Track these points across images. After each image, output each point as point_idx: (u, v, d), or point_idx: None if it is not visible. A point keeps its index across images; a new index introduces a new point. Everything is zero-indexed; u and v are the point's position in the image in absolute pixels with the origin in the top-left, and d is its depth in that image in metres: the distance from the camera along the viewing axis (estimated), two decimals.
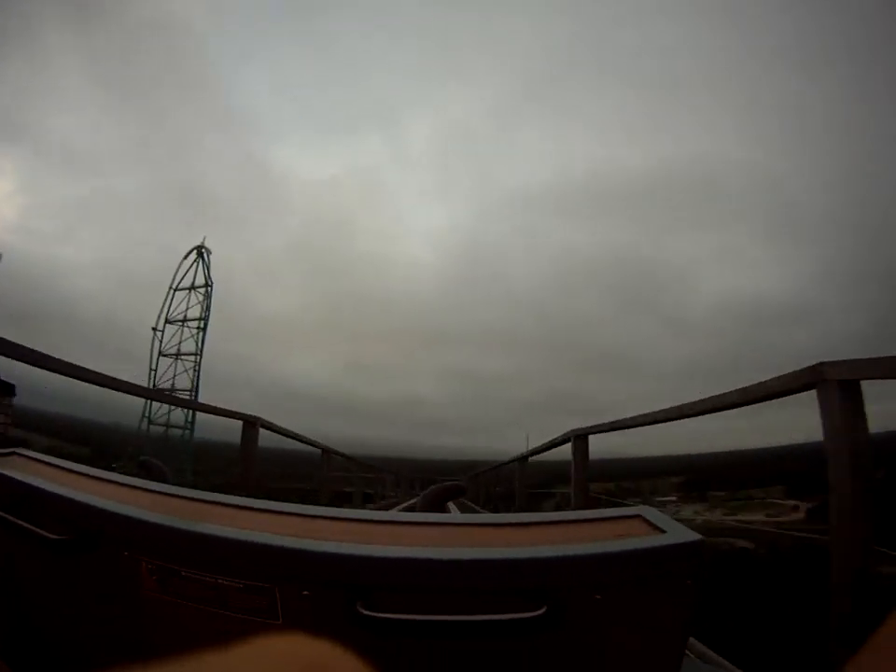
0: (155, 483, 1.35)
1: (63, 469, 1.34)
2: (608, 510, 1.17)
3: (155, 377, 30.10)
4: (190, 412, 29.46)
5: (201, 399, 30.25)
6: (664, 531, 0.97)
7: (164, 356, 30.41)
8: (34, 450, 1.52)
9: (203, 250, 32.17)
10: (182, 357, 30.28)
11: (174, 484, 1.47)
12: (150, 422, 29.53)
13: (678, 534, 0.96)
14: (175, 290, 31.41)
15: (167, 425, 29.48)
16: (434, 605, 0.88)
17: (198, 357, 30.42)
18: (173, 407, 29.56)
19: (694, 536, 0.95)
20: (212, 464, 26.02)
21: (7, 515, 1.11)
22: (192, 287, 31.29)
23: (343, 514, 1.14)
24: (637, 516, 1.06)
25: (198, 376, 30.35)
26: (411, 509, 12.91)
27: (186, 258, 32.22)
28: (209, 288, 31.35)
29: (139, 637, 1.03)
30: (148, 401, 29.68)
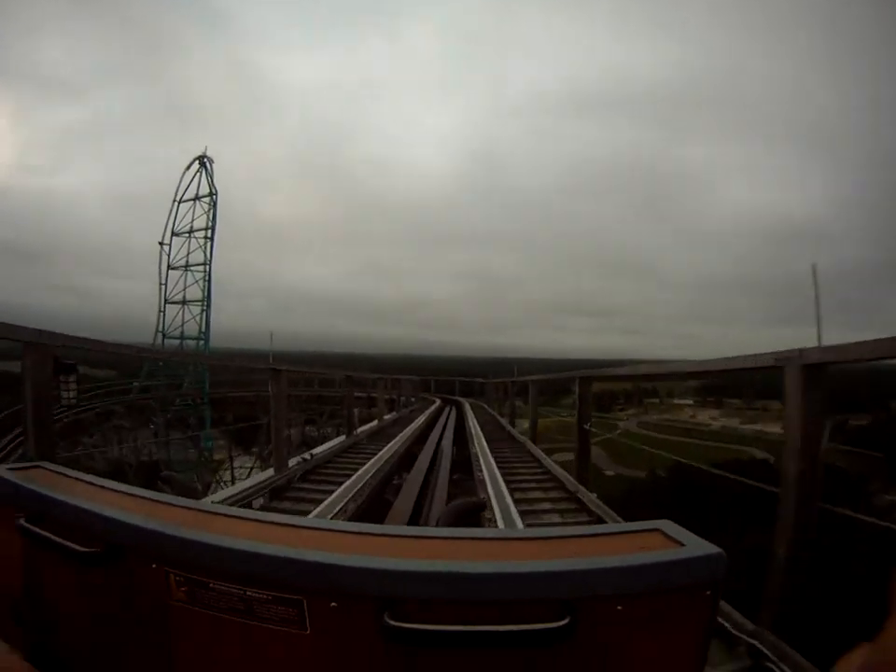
0: (177, 497, 1.37)
1: (85, 481, 1.38)
2: (628, 524, 1.18)
3: (165, 291, 29.81)
4: (204, 320, 30.25)
5: (214, 310, 30.89)
6: (683, 544, 1.00)
7: (173, 269, 29.97)
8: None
9: (206, 159, 30.99)
10: (191, 268, 29.98)
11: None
12: (164, 336, 29.67)
13: (697, 547, 0.99)
14: (179, 203, 30.46)
15: (181, 337, 29.81)
16: (460, 616, 0.91)
17: (207, 267, 30.17)
18: (187, 319, 30.13)
19: (713, 549, 0.97)
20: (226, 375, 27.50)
21: (33, 527, 1.18)
22: (197, 198, 30.41)
23: (368, 529, 1.18)
24: (657, 530, 1.08)
25: (209, 286, 30.27)
26: (432, 419, 13.84)
27: (188, 168, 30.97)
28: (214, 197, 30.53)
29: (167, 646, 1.09)
30: (161, 314, 29.80)
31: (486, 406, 22.35)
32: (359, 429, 10.81)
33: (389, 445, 9.20)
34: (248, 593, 0.99)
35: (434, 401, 25.90)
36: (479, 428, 12.57)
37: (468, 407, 21.80)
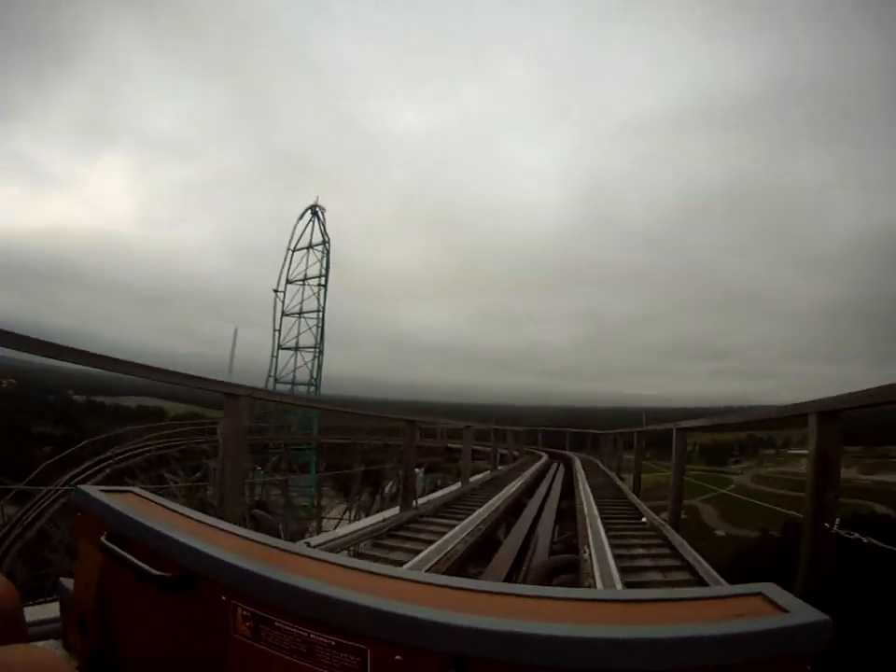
0: (256, 533, 1.37)
1: (170, 509, 1.43)
2: (728, 587, 1.10)
3: (279, 337, 31.03)
4: (316, 366, 31.01)
5: (326, 357, 31.73)
6: (786, 611, 0.91)
7: (287, 315, 31.38)
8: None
9: (318, 209, 32.64)
10: (304, 315, 31.23)
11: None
12: (276, 380, 30.68)
13: (801, 614, 0.89)
14: (293, 251, 32.15)
15: (293, 382, 30.81)
16: None
17: (321, 314, 31.31)
18: (299, 364, 30.94)
19: (819, 616, 0.88)
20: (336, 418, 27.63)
21: (113, 546, 1.24)
22: (310, 246, 32.00)
23: (446, 581, 1.13)
24: (759, 594, 0.99)
25: (322, 331, 31.32)
26: (536, 477, 10.73)
27: (301, 218, 32.62)
28: (326, 245, 31.94)
29: None
30: (274, 359, 30.80)
31: (600, 464, 19.10)
32: (430, 496, 8.71)
33: (460, 527, 6.44)
34: (312, 635, 0.98)
35: (540, 456, 22.50)
36: (593, 501, 9.05)
37: (578, 464, 18.00)
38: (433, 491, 11.65)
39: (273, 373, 30.74)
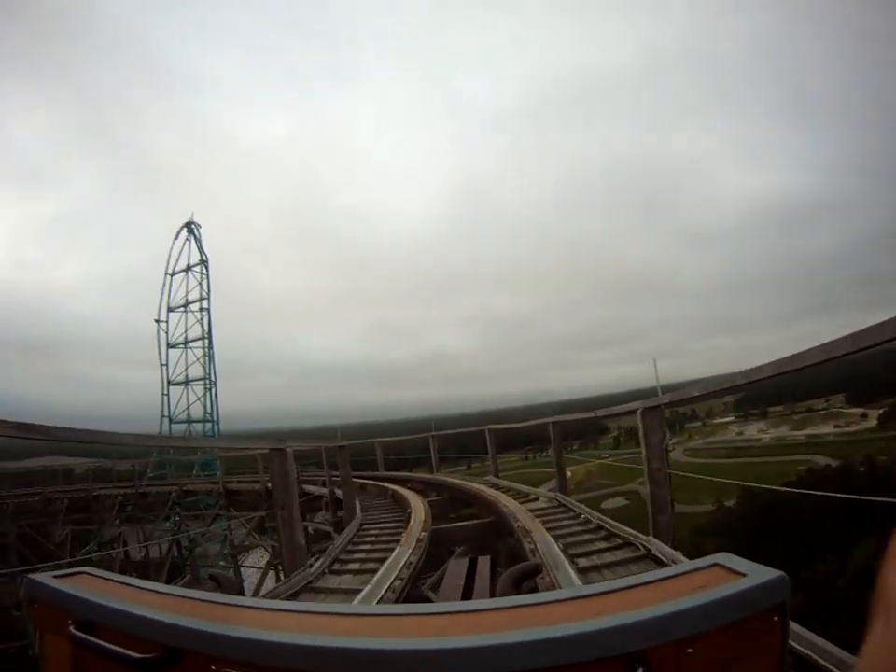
0: (226, 595, 1.35)
1: (131, 585, 1.36)
2: (684, 564, 1.20)
3: (167, 372, 28.07)
4: (210, 402, 28.17)
5: (227, 391, 29.01)
6: (744, 574, 0.98)
7: (172, 347, 28.38)
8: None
9: (193, 225, 29.90)
10: (191, 345, 28.41)
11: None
12: (171, 420, 27.76)
13: (758, 575, 0.96)
14: (171, 275, 29.34)
15: (188, 420, 27.94)
16: None
17: (207, 340, 28.50)
18: (192, 401, 28.09)
19: (775, 573, 0.95)
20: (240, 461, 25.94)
21: (84, 635, 1.14)
22: (188, 268, 29.29)
23: (419, 609, 1.14)
24: (715, 564, 1.06)
25: (211, 360, 28.50)
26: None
27: (176, 238, 29.75)
28: (205, 264, 29.20)
29: None
30: (165, 397, 27.89)
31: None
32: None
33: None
34: None
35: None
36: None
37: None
38: None
39: (166, 413, 27.68)
